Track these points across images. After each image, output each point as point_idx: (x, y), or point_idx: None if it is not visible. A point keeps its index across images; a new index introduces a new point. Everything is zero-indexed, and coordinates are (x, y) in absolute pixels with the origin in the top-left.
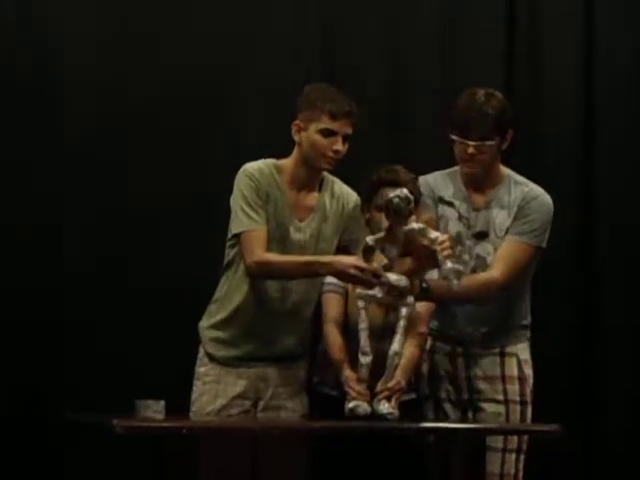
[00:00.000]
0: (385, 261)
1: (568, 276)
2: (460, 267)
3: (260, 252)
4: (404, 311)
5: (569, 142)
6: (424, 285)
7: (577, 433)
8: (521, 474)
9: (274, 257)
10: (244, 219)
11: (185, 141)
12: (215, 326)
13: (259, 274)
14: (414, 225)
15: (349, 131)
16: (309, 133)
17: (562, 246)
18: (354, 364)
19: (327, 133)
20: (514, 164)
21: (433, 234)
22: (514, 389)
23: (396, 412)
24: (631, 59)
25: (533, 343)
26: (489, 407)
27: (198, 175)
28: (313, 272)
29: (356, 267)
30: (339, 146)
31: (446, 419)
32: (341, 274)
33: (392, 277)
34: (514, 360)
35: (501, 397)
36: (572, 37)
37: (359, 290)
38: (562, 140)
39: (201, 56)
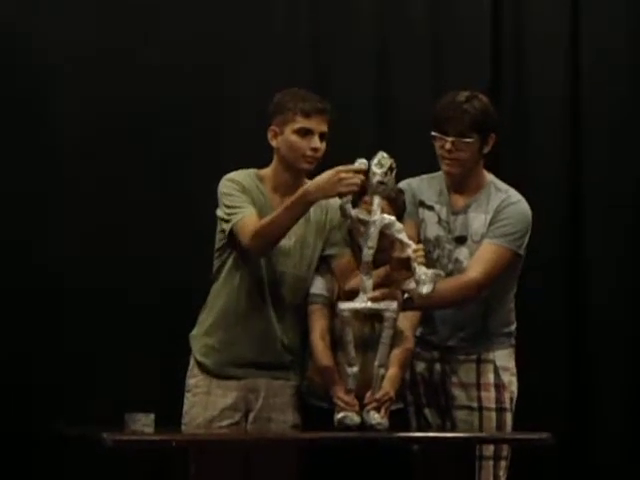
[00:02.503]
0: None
1: (557, 279)
2: (435, 272)
3: (252, 228)
4: (388, 319)
5: (556, 145)
6: (405, 295)
7: (567, 440)
8: None
9: (261, 221)
10: (232, 212)
11: (185, 142)
12: (204, 333)
13: (260, 245)
14: (393, 218)
15: (324, 129)
16: (285, 136)
17: (550, 248)
18: (342, 375)
19: (303, 132)
20: (501, 169)
21: (407, 240)
22: (489, 396)
23: (385, 422)
24: (617, 58)
25: (521, 349)
26: (460, 415)
27: (198, 176)
28: (303, 205)
29: (339, 171)
30: (317, 143)
31: (427, 425)
32: (329, 185)
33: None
34: (491, 367)
35: (475, 404)
36: (558, 40)
37: (340, 304)
38: (549, 144)
39: (200, 57)
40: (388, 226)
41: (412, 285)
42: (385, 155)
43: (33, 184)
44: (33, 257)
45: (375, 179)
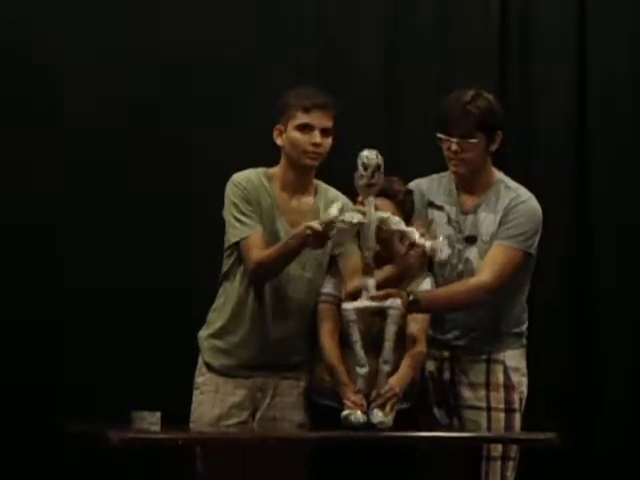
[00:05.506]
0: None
1: (564, 281)
2: (444, 237)
3: (256, 255)
4: (391, 316)
5: (562, 145)
6: (412, 297)
7: (574, 439)
8: None
9: (265, 252)
10: (238, 226)
11: (185, 142)
12: (213, 335)
13: (260, 275)
14: (387, 213)
15: (327, 124)
16: (288, 133)
17: (558, 249)
18: (351, 374)
19: (303, 128)
20: (508, 167)
21: (407, 228)
22: (498, 397)
23: (388, 420)
24: (623, 59)
25: (530, 349)
26: (468, 414)
27: (197, 176)
28: (298, 245)
29: (309, 227)
30: (317, 139)
31: (436, 424)
32: (304, 237)
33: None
34: (500, 367)
35: (483, 404)
36: (564, 39)
37: (344, 304)
38: (555, 143)
39: (201, 55)
40: (384, 222)
41: (424, 287)
42: (368, 155)
43: (32, 184)
44: (34, 257)
45: (363, 182)
